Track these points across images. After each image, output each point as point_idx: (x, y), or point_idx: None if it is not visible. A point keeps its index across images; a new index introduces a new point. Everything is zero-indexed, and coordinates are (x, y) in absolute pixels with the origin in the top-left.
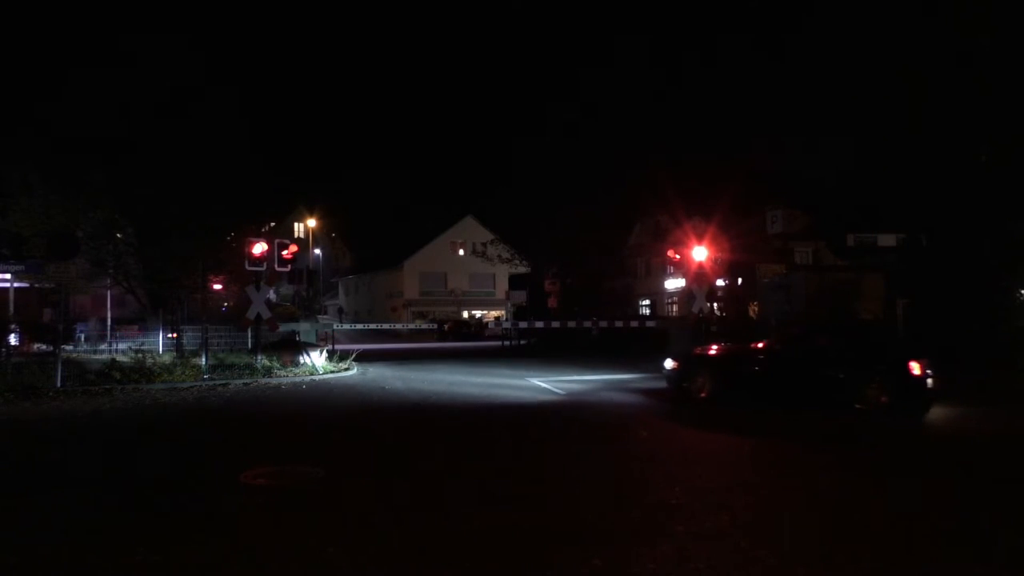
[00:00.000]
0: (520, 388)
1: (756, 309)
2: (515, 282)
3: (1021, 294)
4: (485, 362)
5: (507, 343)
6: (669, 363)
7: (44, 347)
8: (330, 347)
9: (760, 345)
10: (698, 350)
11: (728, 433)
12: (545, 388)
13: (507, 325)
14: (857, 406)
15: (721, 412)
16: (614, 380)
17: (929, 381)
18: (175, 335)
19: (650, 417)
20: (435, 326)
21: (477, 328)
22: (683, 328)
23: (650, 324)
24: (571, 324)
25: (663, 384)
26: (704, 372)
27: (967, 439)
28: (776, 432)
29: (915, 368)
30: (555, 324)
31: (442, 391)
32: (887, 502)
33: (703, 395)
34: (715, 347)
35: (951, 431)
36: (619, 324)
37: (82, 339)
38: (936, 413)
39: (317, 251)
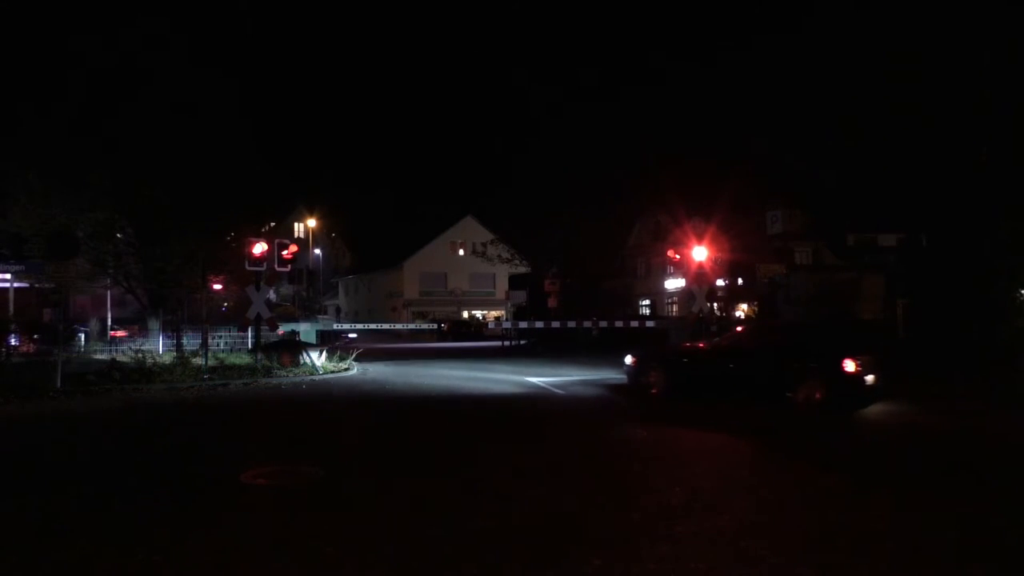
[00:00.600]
0: (516, 385)
1: (754, 310)
2: (515, 282)
3: (1021, 294)
4: (484, 361)
5: (507, 343)
6: (628, 359)
7: (44, 347)
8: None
9: (708, 344)
10: (665, 348)
11: (658, 423)
12: (537, 385)
13: (507, 325)
14: (789, 394)
15: (668, 405)
16: (601, 378)
17: (868, 378)
18: (175, 335)
19: (602, 410)
20: (435, 326)
21: (477, 328)
22: (683, 328)
23: (650, 324)
24: (571, 324)
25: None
26: (657, 369)
27: (958, 439)
28: (714, 424)
29: (849, 366)
30: (555, 324)
31: (442, 390)
32: (884, 500)
33: (654, 391)
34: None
35: (942, 432)
36: (619, 324)
37: (82, 339)
38: (931, 413)
39: (317, 251)
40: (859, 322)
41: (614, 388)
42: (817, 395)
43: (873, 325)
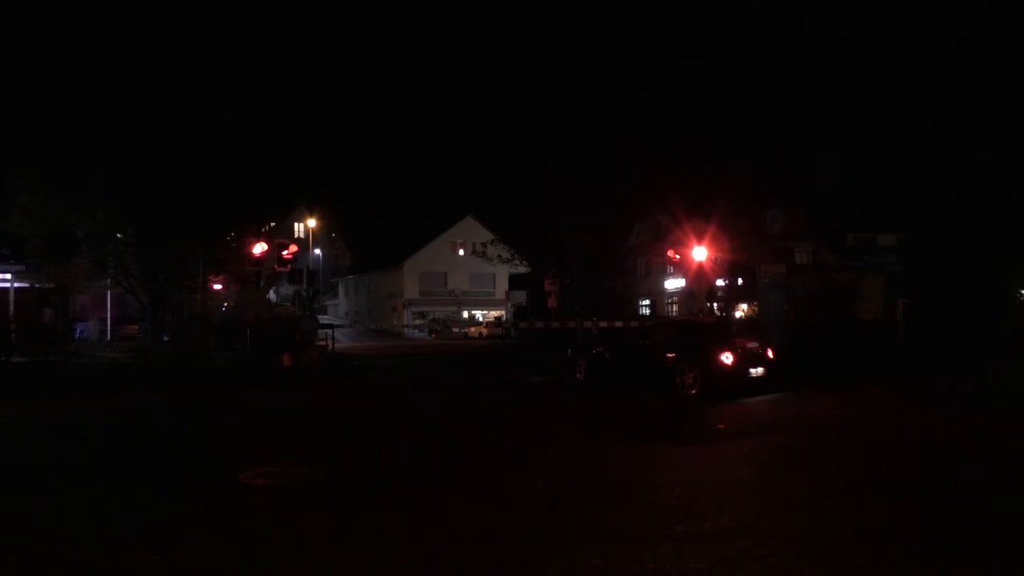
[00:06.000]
0: (509, 381)
1: (754, 310)
2: (515, 282)
3: (1021, 294)
4: (481, 360)
5: (506, 343)
6: (569, 352)
7: (45, 348)
8: (330, 347)
9: (619, 339)
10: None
11: (558, 399)
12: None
13: (507, 325)
14: (677, 381)
15: (581, 388)
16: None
17: (755, 371)
18: (175, 335)
19: (538, 390)
20: (435, 326)
21: (475, 328)
22: None
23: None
24: (571, 324)
25: None
26: (582, 359)
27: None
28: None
29: (727, 358)
30: (555, 324)
31: (439, 389)
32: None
33: (580, 377)
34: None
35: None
36: (619, 324)
37: (84, 338)
38: (809, 404)
39: (317, 251)
40: (859, 322)
41: (564, 375)
42: (696, 385)
43: (872, 325)
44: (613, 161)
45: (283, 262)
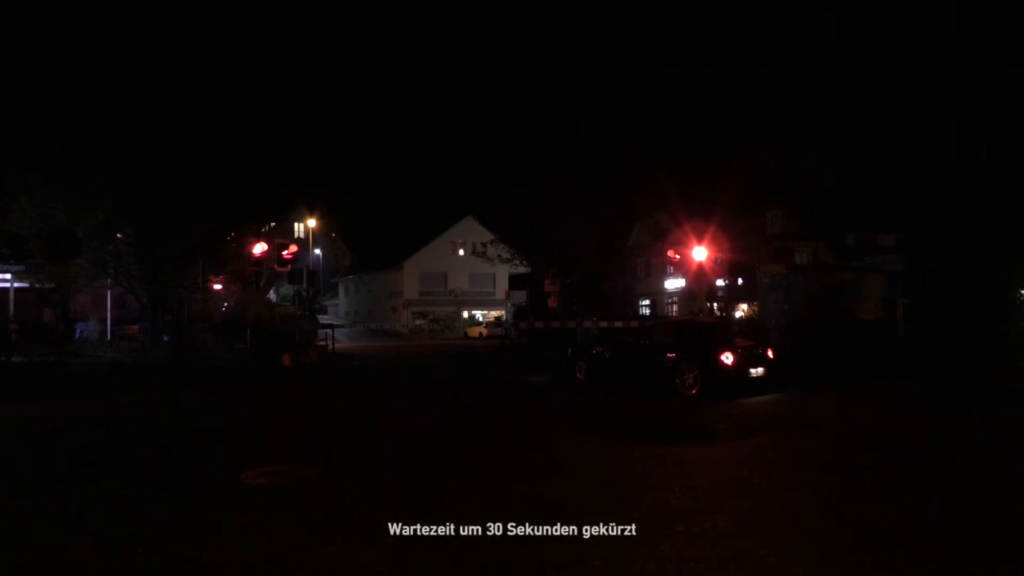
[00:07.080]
0: (509, 381)
1: (754, 310)
2: (515, 282)
3: (1021, 294)
4: (481, 360)
5: (505, 343)
6: (569, 352)
7: (45, 348)
8: (330, 347)
9: (619, 339)
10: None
11: (556, 397)
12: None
13: (507, 325)
14: (677, 381)
15: (583, 388)
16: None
17: (755, 371)
18: (175, 335)
19: (540, 389)
20: (435, 326)
21: (475, 328)
22: None
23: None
24: (571, 324)
25: None
26: (582, 360)
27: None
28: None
29: (727, 359)
30: (555, 324)
31: (440, 389)
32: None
33: (580, 377)
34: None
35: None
36: (619, 324)
37: (84, 338)
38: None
39: (317, 251)
40: (859, 322)
41: (564, 375)
42: (696, 384)
43: (872, 325)
44: (613, 161)
45: (283, 262)
